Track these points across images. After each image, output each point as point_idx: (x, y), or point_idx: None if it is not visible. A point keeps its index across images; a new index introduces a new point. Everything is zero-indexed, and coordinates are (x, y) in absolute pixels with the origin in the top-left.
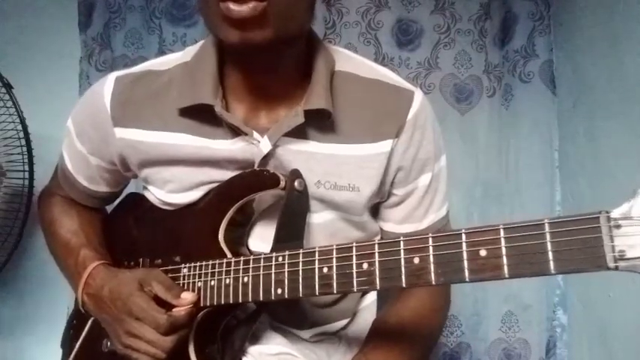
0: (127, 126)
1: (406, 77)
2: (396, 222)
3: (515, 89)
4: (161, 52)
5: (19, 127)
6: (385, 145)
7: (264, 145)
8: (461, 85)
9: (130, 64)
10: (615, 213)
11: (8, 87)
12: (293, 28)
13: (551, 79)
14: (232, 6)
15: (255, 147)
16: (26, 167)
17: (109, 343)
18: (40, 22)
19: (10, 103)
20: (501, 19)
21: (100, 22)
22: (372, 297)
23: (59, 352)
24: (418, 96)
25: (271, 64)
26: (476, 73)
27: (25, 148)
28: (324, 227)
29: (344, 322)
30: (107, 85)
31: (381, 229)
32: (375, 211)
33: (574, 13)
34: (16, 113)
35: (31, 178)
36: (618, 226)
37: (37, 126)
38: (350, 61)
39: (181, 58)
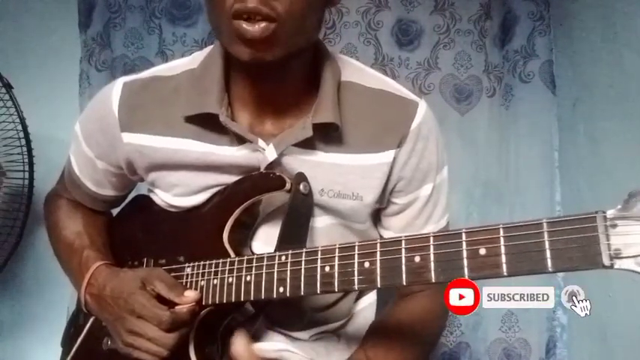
0: (135, 131)
1: (406, 77)
2: (396, 230)
3: (515, 89)
4: (161, 52)
5: (19, 127)
6: (388, 155)
7: (270, 153)
8: (460, 86)
9: (129, 64)
10: (611, 213)
11: (8, 87)
12: (302, 43)
13: (551, 79)
14: (245, 25)
15: (260, 154)
16: (26, 167)
17: (109, 342)
18: (40, 22)
19: (10, 103)
20: (501, 19)
21: (100, 22)
22: (371, 297)
23: (59, 351)
24: (422, 107)
25: (278, 75)
26: (476, 73)
27: (25, 148)
28: (326, 231)
29: (342, 321)
30: (115, 90)
31: (381, 236)
32: (375, 218)
33: (574, 13)
34: (16, 113)
35: (31, 178)
36: (614, 226)
37: (37, 126)
38: (355, 70)
39: (189, 64)
